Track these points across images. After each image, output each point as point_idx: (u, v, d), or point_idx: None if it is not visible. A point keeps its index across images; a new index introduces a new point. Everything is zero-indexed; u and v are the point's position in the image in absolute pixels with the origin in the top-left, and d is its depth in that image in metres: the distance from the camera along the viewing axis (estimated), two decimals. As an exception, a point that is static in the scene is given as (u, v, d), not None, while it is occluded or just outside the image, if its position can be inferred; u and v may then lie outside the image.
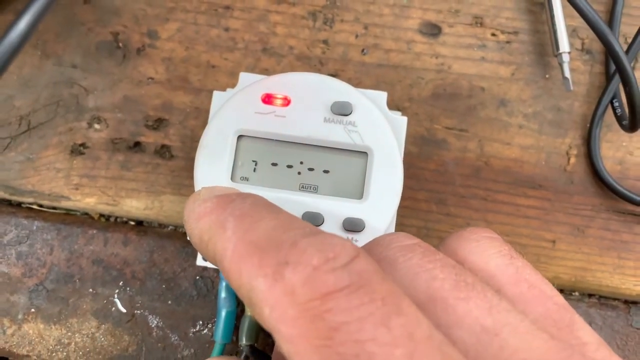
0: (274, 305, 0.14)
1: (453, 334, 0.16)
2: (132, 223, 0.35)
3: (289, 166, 0.29)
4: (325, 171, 0.29)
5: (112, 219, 0.35)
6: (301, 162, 0.29)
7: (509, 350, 0.15)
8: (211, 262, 0.18)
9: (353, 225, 0.28)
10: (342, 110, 0.28)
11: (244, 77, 0.30)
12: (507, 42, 0.36)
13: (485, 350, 0.15)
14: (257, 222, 0.16)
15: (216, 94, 0.30)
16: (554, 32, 0.34)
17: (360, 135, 0.28)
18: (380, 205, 0.28)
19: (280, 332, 0.14)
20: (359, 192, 0.29)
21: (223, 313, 0.31)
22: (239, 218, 0.17)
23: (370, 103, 0.29)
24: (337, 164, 0.29)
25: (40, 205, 0.35)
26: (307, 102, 0.29)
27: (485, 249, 0.19)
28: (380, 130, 0.29)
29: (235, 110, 0.29)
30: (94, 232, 0.34)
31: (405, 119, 0.30)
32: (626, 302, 0.35)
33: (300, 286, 0.14)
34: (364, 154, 0.29)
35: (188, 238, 0.19)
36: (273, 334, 0.14)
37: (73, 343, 0.34)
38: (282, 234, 0.16)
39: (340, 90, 0.29)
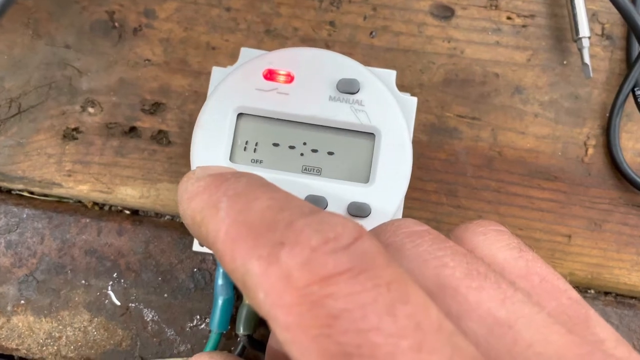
0: (269, 290, 0.13)
1: (463, 325, 0.15)
2: (127, 212, 0.34)
3: (292, 147, 0.27)
4: (330, 153, 0.27)
5: (106, 208, 0.34)
6: (304, 143, 0.27)
7: (524, 343, 0.14)
8: (204, 244, 0.17)
9: (358, 210, 0.26)
10: (348, 88, 0.27)
11: (245, 53, 0.28)
12: (523, 26, 0.34)
13: (498, 343, 0.14)
14: (252, 201, 0.15)
15: (215, 70, 0.28)
16: (574, 15, 0.32)
17: (367, 115, 0.27)
18: (387, 189, 0.27)
19: (275, 319, 0.13)
20: (365, 176, 0.27)
21: (220, 301, 0.30)
22: (233, 198, 0.16)
23: (379, 81, 0.27)
24: (343, 146, 0.27)
25: (31, 192, 0.33)
26: (312, 79, 0.27)
27: (493, 242, 0.19)
28: (388, 110, 0.27)
29: (235, 86, 0.27)
30: (87, 220, 0.33)
31: (415, 99, 0.28)
32: (644, 300, 0.33)
33: (297, 269, 0.13)
34: (371, 135, 0.27)
35: (182, 220, 0.18)
36: (268, 320, 0.13)
37: (64, 337, 0.32)
38: (278, 213, 0.15)
39: (347, 67, 0.27)
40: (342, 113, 0.27)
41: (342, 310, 0.12)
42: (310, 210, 0.15)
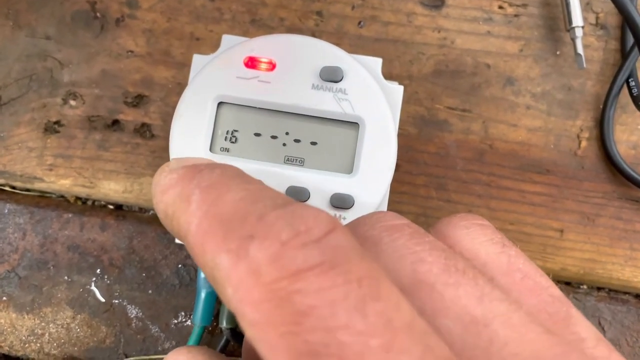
0: (238, 285, 0.13)
1: (438, 323, 0.14)
2: (111, 207, 0.33)
3: (274, 137, 0.27)
4: (313, 143, 0.27)
5: (89, 202, 0.33)
6: (286, 133, 0.27)
7: (499, 343, 0.14)
8: (177, 238, 0.16)
9: (341, 202, 0.26)
10: (331, 76, 0.26)
11: (227, 40, 0.27)
12: (515, 15, 0.33)
13: (473, 342, 0.14)
14: (224, 194, 0.15)
15: (196, 58, 0.28)
16: (567, 4, 0.32)
17: (351, 104, 0.26)
18: (371, 180, 0.26)
19: (243, 315, 0.13)
20: (348, 166, 0.26)
21: (202, 294, 0.29)
22: (205, 190, 0.15)
23: (363, 69, 0.26)
24: (326, 136, 0.27)
25: (13, 187, 0.33)
26: (294, 66, 0.26)
27: (475, 236, 0.18)
28: (373, 99, 0.26)
29: (215, 74, 0.26)
30: (70, 216, 0.32)
31: (401, 87, 0.27)
32: (637, 296, 0.33)
33: (266, 264, 0.13)
34: (354, 124, 0.26)
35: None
36: (237, 316, 0.13)
37: (47, 334, 0.31)
38: (250, 205, 0.14)
39: (330, 54, 0.26)
40: (325, 102, 0.26)
41: (310, 307, 0.12)
42: (283, 202, 0.14)
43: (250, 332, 0.13)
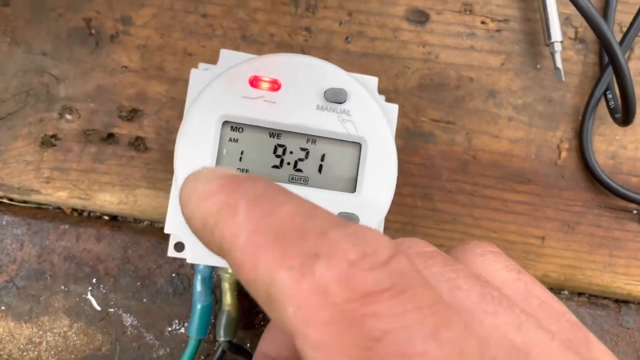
0: (301, 305, 0.12)
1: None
2: (106, 218, 0.34)
3: (278, 156, 0.27)
4: (317, 162, 0.27)
5: (84, 214, 0.34)
6: (291, 152, 0.27)
7: None
8: (215, 251, 0.15)
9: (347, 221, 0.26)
10: (336, 97, 0.27)
11: (226, 55, 0.28)
12: (497, 30, 0.34)
13: None
14: (276, 207, 0.14)
15: (195, 73, 0.28)
16: (546, 20, 0.33)
17: (354, 126, 0.27)
18: (373, 199, 0.27)
19: (307, 336, 0.12)
20: (351, 185, 0.27)
21: (198, 307, 0.30)
22: (253, 202, 0.14)
23: (365, 90, 0.27)
24: (330, 155, 0.27)
25: (10, 199, 0.34)
26: (299, 87, 0.27)
27: (491, 263, 0.18)
28: (375, 120, 0.27)
29: (220, 93, 0.26)
30: (66, 227, 0.33)
31: (396, 106, 0.28)
32: (617, 301, 0.34)
33: (335, 284, 0.12)
34: (357, 144, 0.27)
35: (185, 222, 0.16)
36: (294, 337, 0.12)
37: (44, 342, 0.32)
38: (307, 221, 0.14)
39: (333, 75, 0.27)
40: (329, 123, 0.27)
41: (385, 332, 0.12)
42: (339, 222, 0.14)
43: (312, 355, 0.12)
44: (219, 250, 0.15)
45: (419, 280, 0.13)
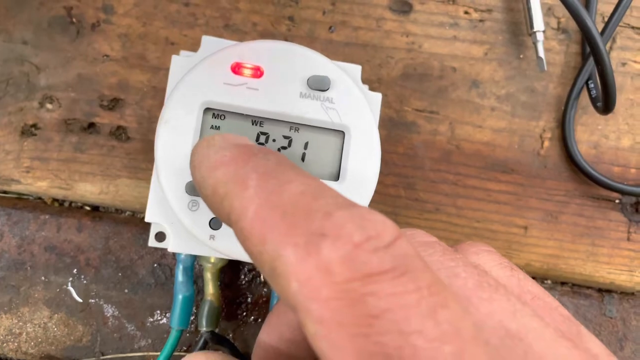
0: (305, 281, 0.13)
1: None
2: (87, 208, 0.34)
3: (261, 144, 0.27)
4: (300, 150, 0.27)
5: (65, 204, 0.34)
6: (274, 140, 0.27)
7: (534, 356, 0.15)
8: (222, 219, 0.16)
9: None
10: (319, 85, 0.26)
11: (207, 42, 0.27)
12: (480, 20, 0.34)
13: (509, 355, 0.15)
14: (285, 184, 0.15)
15: (176, 59, 0.27)
16: (528, 9, 0.33)
17: (338, 114, 0.27)
18: (357, 187, 0.27)
19: (309, 311, 0.13)
20: (335, 173, 0.27)
21: (180, 297, 0.30)
22: (263, 176, 0.15)
23: (349, 78, 0.27)
24: (313, 143, 0.27)
25: (-10, 189, 0.33)
26: (282, 74, 0.26)
27: (485, 261, 0.19)
28: (358, 108, 0.27)
29: (202, 79, 0.26)
30: (47, 217, 0.33)
31: (379, 95, 0.28)
32: (599, 290, 0.34)
33: (339, 263, 0.13)
34: (340, 132, 0.27)
35: (195, 186, 0.17)
36: (297, 311, 0.13)
37: (24, 333, 0.32)
38: (313, 201, 0.14)
39: (316, 62, 0.27)
40: (313, 111, 0.27)
41: (383, 310, 0.12)
42: (345, 203, 0.14)
43: (314, 329, 0.13)
44: (226, 219, 0.15)
45: (419, 263, 0.13)
